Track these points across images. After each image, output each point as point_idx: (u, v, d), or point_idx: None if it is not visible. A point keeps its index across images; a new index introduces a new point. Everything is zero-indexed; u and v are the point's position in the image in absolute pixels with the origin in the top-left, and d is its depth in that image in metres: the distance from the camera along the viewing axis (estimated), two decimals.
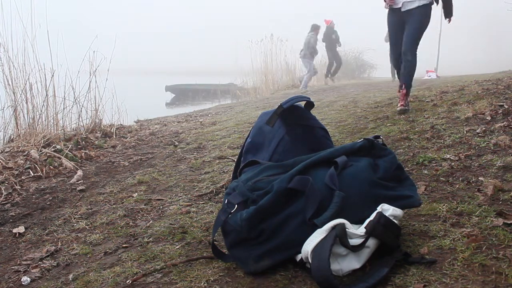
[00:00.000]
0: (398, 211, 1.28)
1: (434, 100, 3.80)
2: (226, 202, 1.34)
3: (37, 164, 2.93)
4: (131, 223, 1.88)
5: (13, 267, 1.61)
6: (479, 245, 1.25)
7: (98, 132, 4.06)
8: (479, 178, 1.79)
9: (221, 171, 2.52)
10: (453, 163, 2.01)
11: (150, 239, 1.67)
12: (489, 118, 2.69)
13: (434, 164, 2.06)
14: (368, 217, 1.24)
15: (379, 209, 1.26)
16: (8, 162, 2.93)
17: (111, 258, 1.56)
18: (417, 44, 3.43)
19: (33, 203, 2.35)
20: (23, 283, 1.48)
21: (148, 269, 1.40)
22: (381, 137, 1.49)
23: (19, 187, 2.58)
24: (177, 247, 1.55)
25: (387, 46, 4.30)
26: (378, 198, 1.30)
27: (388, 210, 1.26)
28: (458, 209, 1.53)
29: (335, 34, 10.97)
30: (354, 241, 1.18)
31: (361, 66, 18.60)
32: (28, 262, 1.63)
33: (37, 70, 3.89)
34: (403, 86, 3.52)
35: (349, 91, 7.41)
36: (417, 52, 3.44)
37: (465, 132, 2.51)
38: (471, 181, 1.78)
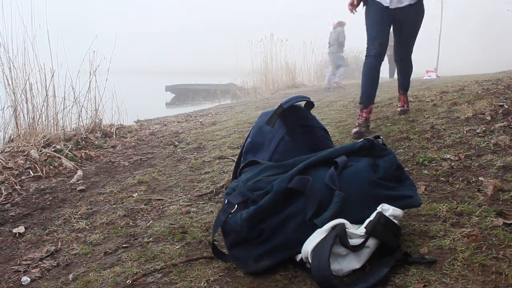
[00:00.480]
0: (398, 211, 1.28)
1: (434, 100, 3.80)
2: (226, 202, 1.34)
3: (37, 164, 2.93)
4: (131, 223, 1.88)
5: (13, 267, 1.61)
6: (479, 245, 1.25)
7: (98, 132, 4.06)
8: (479, 178, 1.79)
9: (221, 171, 2.52)
10: (453, 163, 2.01)
11: (150, 239, 1.67)
12: (489, 118, 2.69)
13: (434, 164, 2.06)
14: (368, 217, 1.24)
15: (379, 209, 1.26)
16: (8, 162, 2.93)
17: (111, 258, 1.56)
18: (412, 48, 3.15)
19: (33, 203, 2.35)
20: (23, 283, 1.48)
21: (148, 269, 1.40)
22: (381, 137, 1.49)
23: (19, 187, 2.58)
24: (177, 247, 1.55)
25: None
26: (378, 198, 1.30)
27: (388, 210, 1.26)
28: (458, 209, 1.53)
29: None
30: (354, 241, 1.18)
31: (361, 66, 18.56)
32: (28, 262, 1.63)
33: (37, 70, 3.90)
34: (402, 91, 3.37)
35: (349, 91, 7.42)
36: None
37: (465, 132, 2.51)
38: (471, 181, 1.78)
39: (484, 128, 2.49)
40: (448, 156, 2.12)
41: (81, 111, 4.15)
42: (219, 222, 1.33)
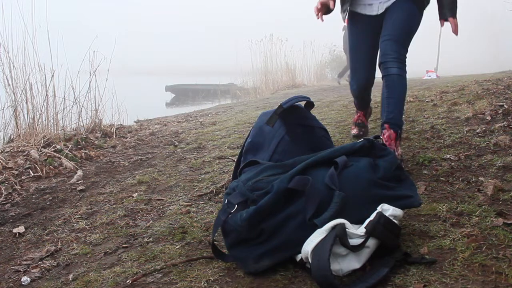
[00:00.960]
0: (398, 211, 1.28)
1: (434, 100, 3.80)
2: (226, 202, 1.34)
3: (37, 164, 2.93)
4: (131, 223, 1.88)
5: (13, 267, 1.61)
6: (479, 245, 1.25)
7: (98, 132, 4.06)
8: (479, 178, 1.79)
9: (221, 171, 2.52)
10: (453, 163, 2.01)
11: (150, 239, 1.67)
12: (489, 118, 2.69)
13: (434, 164, 2.06)
14: (368, 217, 1.24)
15: (379, 209, 1.26)
16: (8, 162, 2.93)
17: (111, 258, 1.56)
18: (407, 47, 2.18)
19: (33, 203, 2.35)
20: (23, 283, 1.48)
21: (148, 269, 1.40)
22: (381, 137, 1.49)
23: (19, 187, 2.58)
24: (177, 247, 1.55)
25: None
26: (378, 198, 1.30)
27: (388, 210, 1.26)
28: (458, 209, 1.53)
29: None
30: (354, 241, 1.18)
31: None
32: (28, 262, 1.63)
33: (37, 70, 3.90)
34: (389, 126, 2.00)
35: (350, 91, 7.41)
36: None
37: (465, 132, 2.51)
38: (471, 181, 1.78)
39: (484, 128, 2.49)
40: (448, 156, 2.13)
41: (81, 111, 4.15)
42: (219, 222, 1.33)
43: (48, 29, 4.02)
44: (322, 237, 1.17)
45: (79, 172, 2.83)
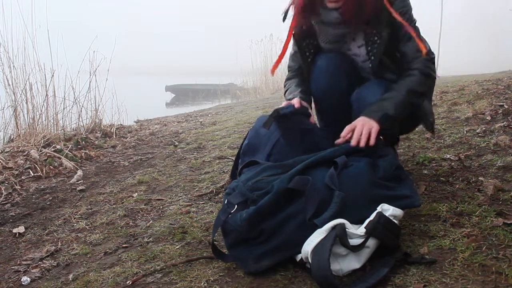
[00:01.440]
0: (398, 211, 1.28)
1: (434, 100, 3.80)
2: (226, 202, 1.35)
3: (37, 164, 2.93)
4: (131, 223, 1.88)
5: (13, 267, 1.61)
6: (479, 245, 1.25)
7: (98, 132, 4.06)
8: (479, 178, 1.79)
9: (221, 171, 2.52)
10: (453, 163, 2.01)
11: (150, 239, 1.67)
12: (489, 118, 2.69)
13: (434, 164, 2.06)
14: (368, 217, 1.24)
15: (379, 209, 1.26)
16: (8, 162, 2.93)
17: (111, 258, 1.56)
18: None
19: (33, 203, 2.35)
20: (23, 283, 1.48)
21: (148, 269, 1.40)
22: (381, 137, 1.49)
23: (19, 187, 2.58)
24: (177, 247, 1.55)
25: None
26: (378, 198, 1.30)
27: (388, 210, 1.26)
28: (458, 209, 1.53)
29: None
30: (354, 241, 1.18)
31: None
32: (28, 262, 1.63)
33: (37, 70, 3.90)
34: None
35: None
36: None
37: (465, 132, 2.51)
38: (471, 181, 1.78)
39: (484, 128, 2.49)
40: (448, 156, 2.12)
41: (81, 111, 4.15)
42: (219, 222, 1.33)
43: (48, 29, 4.02)
44: (322, 237, 1.17)
45: (79, 172, 2.83)
